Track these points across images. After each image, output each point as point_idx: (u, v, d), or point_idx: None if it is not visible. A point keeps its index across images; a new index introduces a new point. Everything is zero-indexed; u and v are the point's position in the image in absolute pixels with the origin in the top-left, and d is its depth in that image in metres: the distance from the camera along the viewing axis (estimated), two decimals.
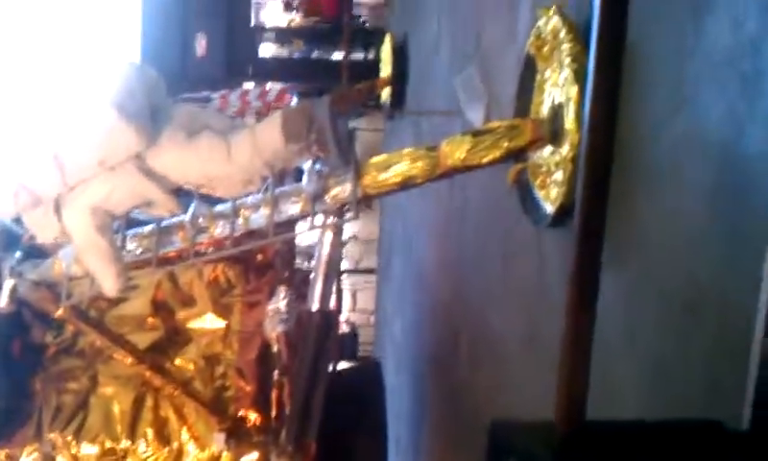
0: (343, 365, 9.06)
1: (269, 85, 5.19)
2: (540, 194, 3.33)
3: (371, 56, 9.84)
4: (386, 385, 6.14)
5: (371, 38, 9.69)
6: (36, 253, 4.71)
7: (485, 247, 4.79)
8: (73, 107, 3.44)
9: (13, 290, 4.47)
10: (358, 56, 10.13)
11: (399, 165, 3.32)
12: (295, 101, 5.04)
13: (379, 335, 9.65)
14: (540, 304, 3.66)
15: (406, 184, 3.36)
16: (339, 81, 9.32)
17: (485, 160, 3.18)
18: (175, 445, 4.78)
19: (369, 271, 10.18)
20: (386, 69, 7.99)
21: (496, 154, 3.17)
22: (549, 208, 3.24)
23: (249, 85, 6.54)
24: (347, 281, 10.47)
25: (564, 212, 3.12)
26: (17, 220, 4.06)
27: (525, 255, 3.89)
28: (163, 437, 4.80)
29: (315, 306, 4.01)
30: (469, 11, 5.33)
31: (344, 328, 10.12)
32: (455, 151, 3.19)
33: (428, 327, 6.64)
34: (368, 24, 10.61)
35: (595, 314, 2.16)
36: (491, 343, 4.61)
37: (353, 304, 11.11)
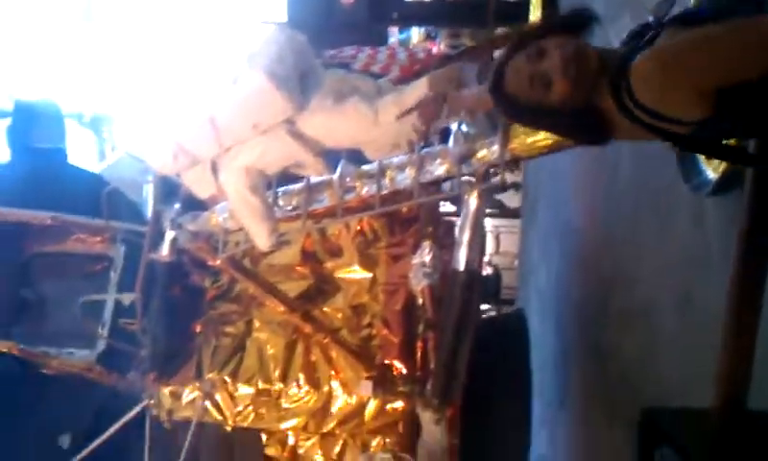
0: (486, 309, 9.12)
1: (415, 47, 5.14)
2: (702, 159, 3.16)
3: None
4: (530, 335, 6.09)
5: None
6: (194, 203, 4.96)
7: (637, 206, 4.61)
8: (227, 73, 3.54)
9: (174, 240, 4.73)
10: None
11: None
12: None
13: (523, 280, 9.55)
14: (697, 272, 3.51)
15: (557, 147, 3.26)
16: (485, 24, 9.09)
17: None
18: (324, 389, 4.97)
19: (513, 214, 10.03)
20: (535, 12, 7.73)
21: None
22: (712, 175, 3.07)
23: (394, 43, 6.47)
24: (490, 224, 10.38)
25: (727, 180, 2.94)
26: None
27: (681, 219, 3.71)
28: (314, 381, 4.99)
29: (461, 266, 4.03)
30: None
31: (487, 270, 10.08)
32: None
33: (575, 282, 6.51)
34: None
35: (761, 306, 2.04)
36: (641, 306, 4.47)
37: (496, 247, 11.02)
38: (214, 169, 3.78)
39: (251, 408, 5.07)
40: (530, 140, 3.26)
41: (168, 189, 4.96)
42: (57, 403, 5.40)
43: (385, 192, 3.89)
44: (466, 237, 3.90)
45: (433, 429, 4.58)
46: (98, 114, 9.60)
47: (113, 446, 5.24)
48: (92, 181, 6.02)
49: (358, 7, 9.52)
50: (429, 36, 12.51)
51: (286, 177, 4.08)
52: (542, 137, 3.22)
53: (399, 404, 4.86)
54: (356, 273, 5.18)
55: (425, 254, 4.64)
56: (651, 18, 1.98)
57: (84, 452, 5.21)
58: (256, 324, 5.21)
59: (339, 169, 3.93)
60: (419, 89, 3.43)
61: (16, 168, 6.12)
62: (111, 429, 5.17)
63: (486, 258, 10.11)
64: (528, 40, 1.96)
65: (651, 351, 4.24)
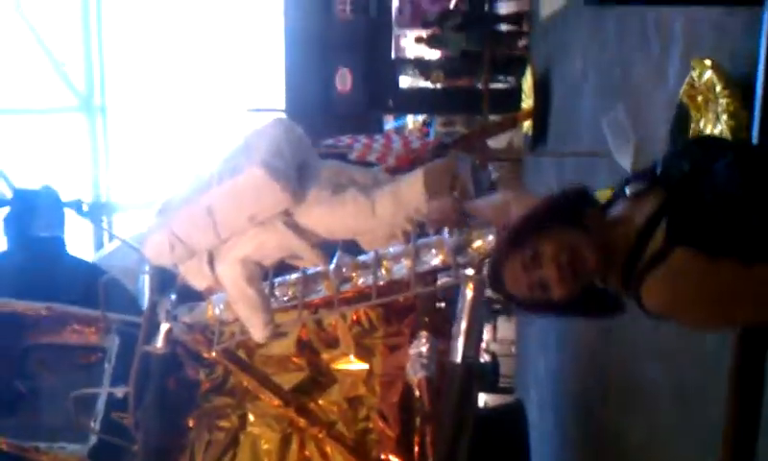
0: (485, 399, 8.99)
1: (410, 134, 5.22)
2: None
3: (512, 84, 9.72)
4: (529, 427, 6.01)
5: (512, 67, 9.56)
6: (189, 293, 4.95)
7: None
8: (225, 165, 3.59)
9: (169, 332, 4.71)
10: (499, 85, 10.02)
11: None
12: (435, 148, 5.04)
13: (521, 369, 9.46)
14: (696, 361, 3.48)
15: None
16: (479, 111, 9.24)
17: None
18: None
19: None
20: (527, 101, 7.88)
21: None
22: None
23: (390, 130, 6.56)
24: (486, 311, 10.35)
25: None
26: None
27: None
28: None
29: (458, 357, 4.00)
30: (616, 49, 5.17)
31: (484, 358, 10.00)
32: None
33: (574, 370, 6.45)
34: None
35: (759, 415, 2.02)
36: (642, 393, 4.42)
37: (494, 334, 10.96)
38: (211, 260, 3.79)
39: None
40: None
41: (164, 279, 4.96)
42: None
43: (381, 283, 3.91)
44: (463, 327, 3.89)
45: None
46: (96, 202, 9.65)
47: None
48: (89, 271, 6.00)
49: (355, 95, 9.69)
50: (424, 123, 12.74)
51: (282, 267, 4.10)
52: None
53: None
54: (352, 364, 5.12)
55: (422, 345, 4.61)
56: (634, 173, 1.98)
57: None
58: (251, 418, 5.11)
59: (335, 260, 3.95)
60: (414, 182, 3.47)
61: (13, 257, 6.11)
62: None
63: (483, 345, 10.05)
64: (521, 237, 1.92)
65: (651, 436, 4.18)
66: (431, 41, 10.20)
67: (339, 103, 9.68)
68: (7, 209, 6.29)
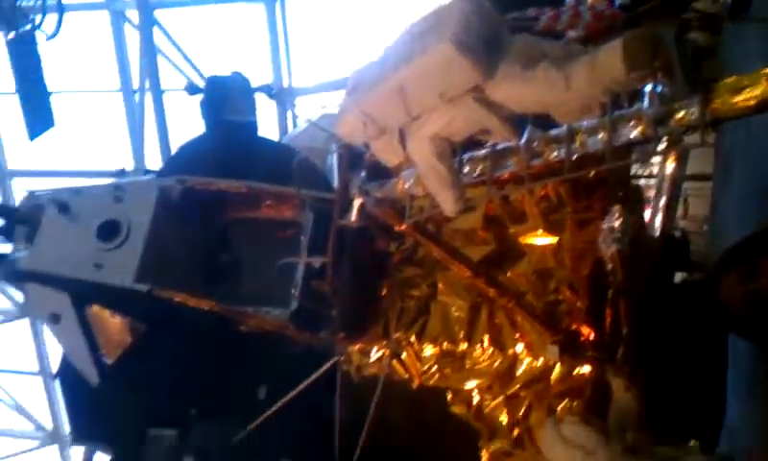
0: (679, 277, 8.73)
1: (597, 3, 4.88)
2: None
3: None
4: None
5: None
6: (377, 170, 5.08)
7: None
8: (415, 43, 3.58)
9: (361, 207, 4.89)
10: None
11: (755, 87, 3.03)
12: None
13: (712, 247, 9.00)
14: None
15: (763, 107, 3.07)
16: None
17: None
18: (509, 351, 5.01)
19: (703, 177, 9.44)
20: None
21: None
22: None
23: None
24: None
25: None
26: None
27: None
28: (498, 343, 5.04)
29: (656, 231, 3.90)
30: None
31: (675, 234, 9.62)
32: None
33: None
34: None
35: None
36: None
37: (684, 211, 10.47)
38: (402, 138, 3.85)
39: (435, 368, 5.20)
40: (733, 100, 3.09)
41: (353, 157, 5.12)
42: (255, 358, 5.73)
43: (574, 157, 3.82)
44: (662, 202, 3.76)
45: (624, 396, 4.49)
46: (284, 86, 9.97)
47: (306, 399, 5.54)
48: (281, 152, 6.27)
49: None
50: None
51: (472, 142, 4.10)
52: (746, 96, 3.05)
53: (587, 369, 4.80)
54: (541, 238, 5.11)
55: (615, 219, 4.51)
56: None
57: (280, 403, 5.53)
58: (440, 287, 5.28)
59: (526, 134, 3.89)
60: (612, 53, 3.31)
61: (211, 141, 6.48)
62: (305, 383, 5.45)
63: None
64: (742, 257, 1.80)
65: None
66: None
67: None
68: (200, 97, 6.64)
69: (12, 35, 8.36)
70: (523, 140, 3.88)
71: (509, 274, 5.12)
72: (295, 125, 9.79)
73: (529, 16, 4.98)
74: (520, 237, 5.17)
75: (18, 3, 8.30)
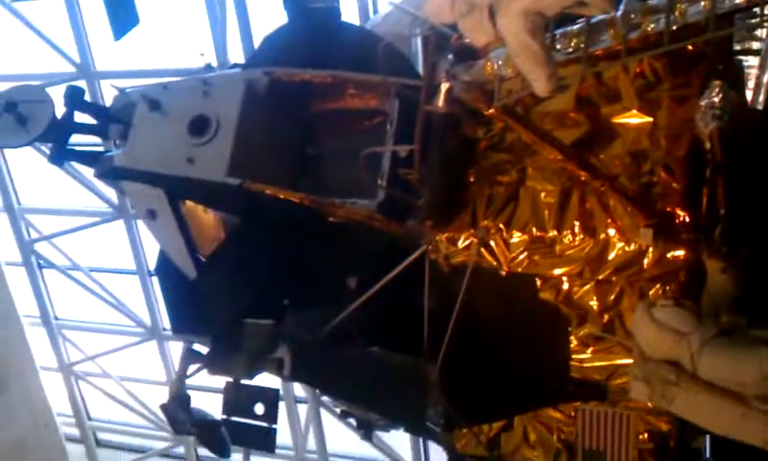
0: None
1: None
2: None
3: None
4: None
5: None
6: (463, 54, 4.95)
7: None
8: None
9: (449, 91, 4.80)
10: None
11: None
12: None
13: None
14: None
15: None
16: None
17: None
18: (601, 236, 4.90)
19: None
20: None
21: None
22: None
23: None
24: None
25: None
26: None
27: None
28: (589, 228, 4.94)
29: (758, 104, 3.72)
30: None
31: None
32: None
33: None
34: None
35: None
36: None
37: None
38: (491, 14, 3.73)
39: (525, 254, 5.15)
40: None
41: (439, 40, 5.00)
42: (344, 248, 5.80)
43: (674, 28, 3.65)
44: (766, 78, 3.56)
45: (719, 278, 4.38)
46: None
47: (395, 288, 5.60)
48: (365, 38, 6.18)
49: None
50: None
51: (563, 17, 3.94)
52: None
53: (681, 253, 4.68)
54: (635, 118, 4.92)
55: (714, 95, 4.29)
56: None
57: (370, 292, 5.62)
58: (530, 172, 5.18)
59: (623, 5, 3.72)
60: None
61: (294, 30, 6.42)
62: (394, 272, 5.51)
63: None
64: None
65: None
66: None
67: None
68: None
69: None
70: (620, 12, 3.72)
71: (601, 156, 4.97)
72: (375, 9, 9.59)
73: None
74: (614, 118, 4.99)
75: None
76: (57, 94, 6.57)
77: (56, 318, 13.06)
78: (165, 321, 11.66)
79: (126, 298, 12.49)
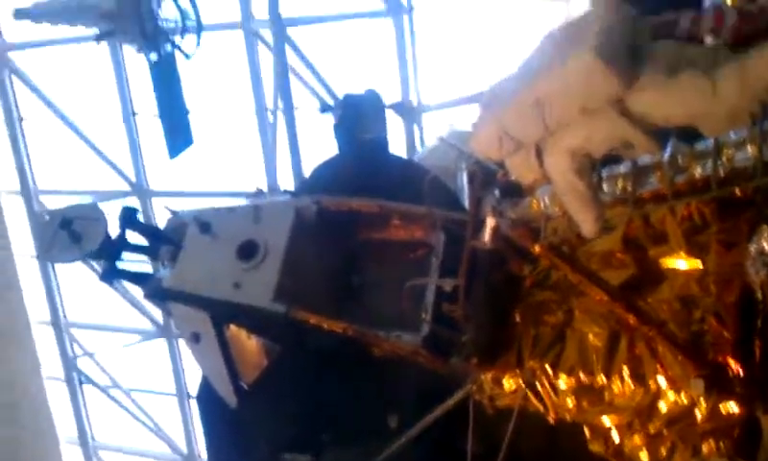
0: None
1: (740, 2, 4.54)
2: None
3: None
4: None
5: None
6: (509, 190, 4.96)
7: None
8: (553, 54, 3.49)
9: (495, 227, 4.78)
10: None
11: None
12: None
13: None
14: None
15: None
16: None
17: None
18: (651, 385, 4.70)
19: None
20: None
21: None
22: None
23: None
24: None
25: None
26: None
27: None
28: (639, 376, 4.74)
29: None
30: None
31: None
32: None
33: None
34: None
35: None
36: None
37: None
38: (538, 153, 3.75)
39: (572, 400, 4.97)
40: None
41: (486, 175, 5.03)
42: (386, 384, 5.69)
43: (721, 173, 3.62)
44: None
45: None
46: (414, 103, 9.95)
47: (438, 428, 5.43)
48: (412, 170, 6.27)
49: None
50: None
51: (610, 157, 3.94)
52: None
53: (734, 407, 4.47)
54: (683, 261, 4.83)
55: (764, 240, 4.21)
56: None
57: (411, 432, 5.45)
58: (576, 313, 5.06)
59: (669, 148, 3.71)
60: (765, 58, 3.12)
61: (344, 160, 6.56)
62: (437, 412, 5.36)
63: None
64: None
65: None
66: None
67: None
68: (331, 115, 6.76)
69: (154, 56, 8.79)
70: (667, 155, 3.71)
71: (649, 300, 4.84)
72: (422, 141, 9.81)
73: (668, 20, 4.75)
74: (661, 260, 4.90)
75: (160, 24, 8.72)
76: (111, 209, 6.76)
77: (92, 438, 12.98)
78: (201, 448, 11.52)
79: (163, 420, 12.40)
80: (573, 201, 3.78)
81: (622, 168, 3.96)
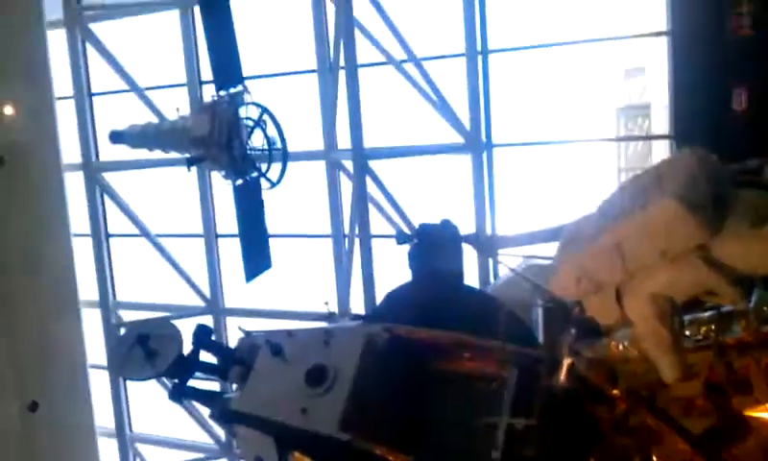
0: None
1: None
2: None
3: None
4: None
5: None
6: (585, 328, 4.87)
7: None
8: (636, 198, 3.49)
9: (571, 367, 4.68)
10: None
11: None
12: None
13: None
14: None
15: None
16: None
17: None
18: None
19: None
20: None
21: None
22: None
23: None
24: None
25: None
26: None
27: None
28: None
29: None
30: None
31: None
32: None
33: None
34: None
35: None
36: None
37: None
38: (618, 296, 3.71)
39: None
40: None
41: (561, 312, 4.96)
42: None
43: None
44: None
45: None
46: (488, 235, 10.00)
47: None
48: (487, 303, 6.22)
49: (753, 114, 8.88)
50: None
51: (692, 302, 3.86)
52: None
53: None
54: None
55: None
56: None
57: None
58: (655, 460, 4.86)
59: (755, 297, 3.63)
60: None
61: (416, 289, 6.55)
62: None
63: None
64: None
65: None
66: None
67: (735, 120, 8.95)
68: (405, 245, 6.81)
69: (239, 181, 9.08)
70: (752, 303, 3.63)
71: (733, 450, 4.64)
72: (495, 274, 9.77)
73: (751, 167, 4.73)
74: (745, 410, 4.70)
75: (248, 152, 9.04)
76: (184, 326, 6.85)
77: None
78: None
79: None
80: (653, 346, 3.71)
81: (706, 314, 3.88)
